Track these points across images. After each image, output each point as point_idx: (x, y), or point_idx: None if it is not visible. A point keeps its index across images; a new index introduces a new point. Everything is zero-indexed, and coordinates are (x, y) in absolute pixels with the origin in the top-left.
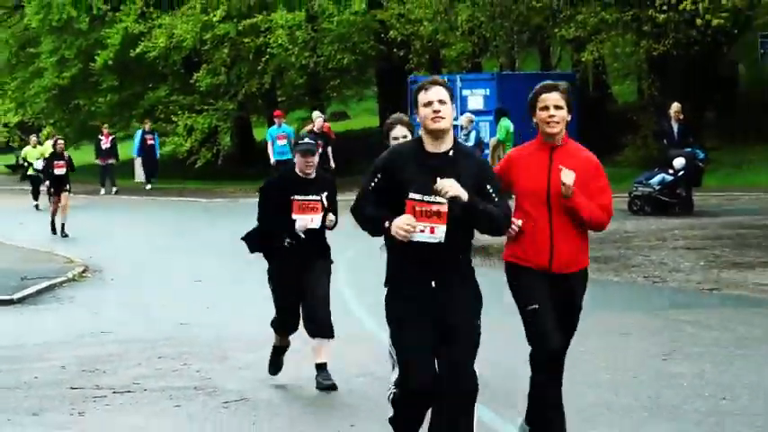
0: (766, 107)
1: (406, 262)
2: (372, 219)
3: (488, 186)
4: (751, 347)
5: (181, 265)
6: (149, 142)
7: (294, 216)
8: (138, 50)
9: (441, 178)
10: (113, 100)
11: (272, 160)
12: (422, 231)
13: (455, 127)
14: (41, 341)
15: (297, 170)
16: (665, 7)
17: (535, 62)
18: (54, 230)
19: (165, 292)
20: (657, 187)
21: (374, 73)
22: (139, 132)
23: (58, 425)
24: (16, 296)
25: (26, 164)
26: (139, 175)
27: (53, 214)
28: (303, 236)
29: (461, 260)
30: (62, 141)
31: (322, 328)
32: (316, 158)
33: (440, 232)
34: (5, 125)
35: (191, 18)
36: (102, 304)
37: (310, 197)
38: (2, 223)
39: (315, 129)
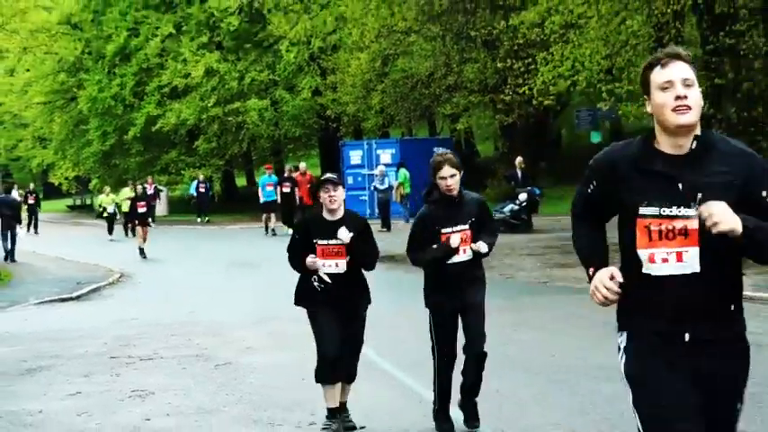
0: (580, 158)
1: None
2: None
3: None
4: (572, 321)
5: (188, 272)
6: (201, 188)
7: (318, 260)
8: (156, 126)
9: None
10: (140, 160)
11: (261, 200)
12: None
13: (371, 175)
14: (90, 325)
15: (323, 211)
16: (511, 92)
17: (425, 130)
18: (142, 254)
19: (177, 291)
20: (508, 213)
21: (317, 139)
22: (195, 181)
23: (102, 383)
24: (74, 294)
25: (101, 208)
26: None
27: (141, 242)
28: (330, 281)
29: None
30: (141, 186)
31: (345, 374)
32: (339, 193)
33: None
34: (66, 178)
35: (192, 104)
36: (132, 300)
37: (333, 241)
38: (66, 246)
39: (287, 174)
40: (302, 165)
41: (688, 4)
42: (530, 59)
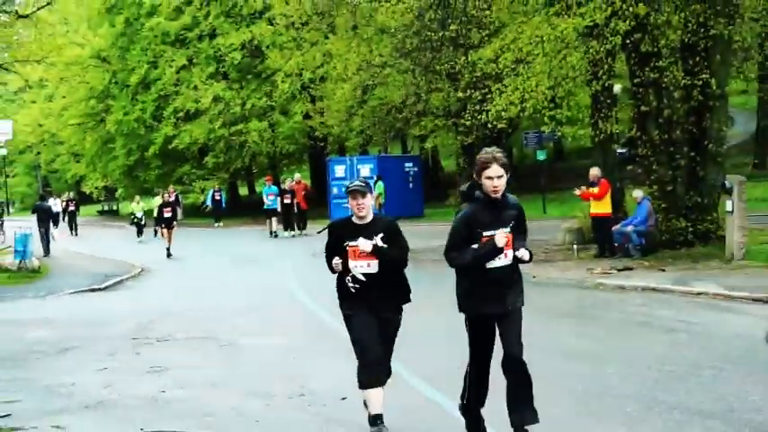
0: (528, 172)
1: None
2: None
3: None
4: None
5: (200, 266)
6: (216, 197)
7: (351, 263)
8: (172, 145)
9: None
10: (158, 173)
11: (266, 206)
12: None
13: None
14: (115, 312)
15: (354, 218)
16: (470, 117)
17: (398, 148)
18: (169, 254)
19: (189, 283)
20: None
21: (307, 155)
22: (211, 191)
23: (124, 360)
24: (102, 286)
25: (133, 215)
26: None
27: (168, 242)
28: (364, 279)
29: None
30: (167, 195)
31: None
32: (367, 200)
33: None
34: (96, 187)
35: (202, 126)
36: (151, 291)
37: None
38: (98, 246)
39: (287, 187)
40: (297, 175)
41: (618, 43)
42: (486, 90)
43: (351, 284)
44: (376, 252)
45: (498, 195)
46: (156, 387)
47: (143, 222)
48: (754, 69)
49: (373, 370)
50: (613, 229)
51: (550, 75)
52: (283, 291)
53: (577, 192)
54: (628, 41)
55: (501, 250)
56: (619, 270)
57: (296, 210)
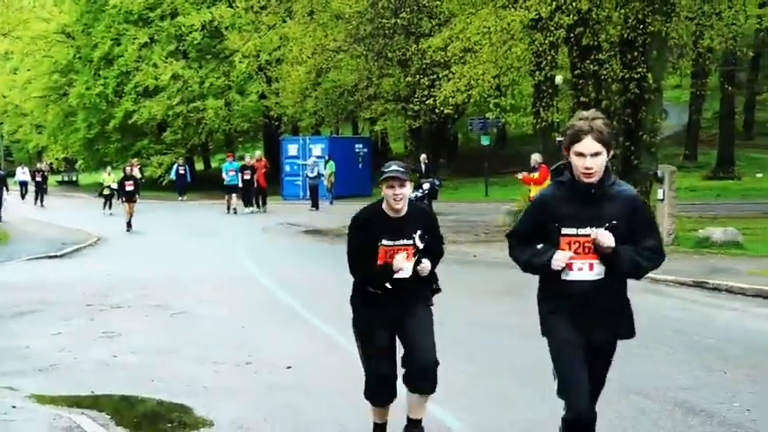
0: (472, 156)
1: None
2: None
3: None
4: (459, 285)
5: (155, 237)
6: (181, 171)
7: (379, 263)
8: (132, 120)
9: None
10: (118, 147)
11: (224, 183)
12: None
13: (304, 165)
14: (71, 279)
15: (384, 206)
16: (418, 102)
17: (349, 130)
18: (129, 227)
19: (146, 253)
20: (414, 199)
21: (262, 134)
22: (175, 165)
23: (79, 326)
24: (59, 253)
25: (102, 186)
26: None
27: (128, 216)
28: (389, 286)
29: None
30: (129, 168)
31: (426, 381)
32: (406, 190)
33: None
34: (57, 158)
35: (161, 102)
36: (108, 259)
37: (400, 242)
38: (57, 216)
39: (247, 163)
40: (258, 152)
41: (561, 36)
42: (434, 76)
43: (374, 289)
44: (415, 266)
45: (592, 180)
46: (108, 352)
47: (113, 195)
48: (688, 66)
49: (383, 386)
50: None
51: (496, 64)
52: (237, 264)
53: (519, 176)
54: (570, 35)
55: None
56: None
57: (255, 185)
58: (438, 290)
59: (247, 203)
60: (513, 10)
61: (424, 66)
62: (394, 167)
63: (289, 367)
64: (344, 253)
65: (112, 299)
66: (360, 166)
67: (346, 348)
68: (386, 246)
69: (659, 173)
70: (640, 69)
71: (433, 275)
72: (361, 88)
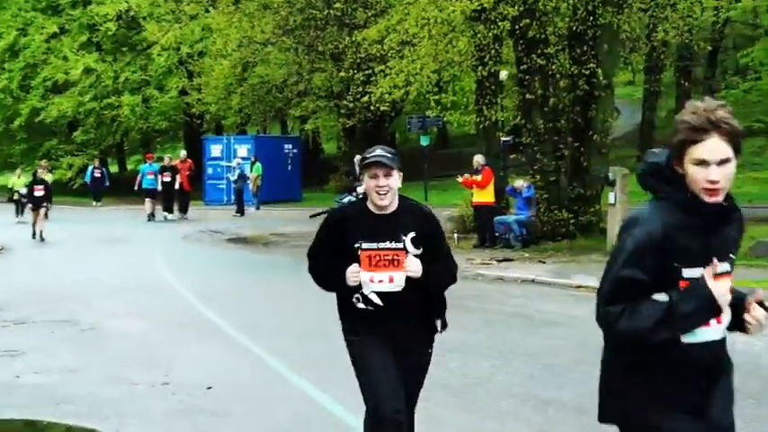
0: (410, 158)
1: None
2: None
3: None
4: None
5: (65, 247)
6: (96, 174)
7: (363, 275)
8: (40, 118)
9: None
10: (24, 147)
11: (142, 187)
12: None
13: (229, 167)
14: None
15: (368, 203)
16: (353, 99)
17: (278, 129)
18: (34, 236)
19: (53, 264)
20: (347, 204)
21: (183, 133)
22: (90, 167)
23: None
24: None
25: (12, 190)
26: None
27: (33, 224)
28: (381, 302)
29: None
30: (41, 170)
31: None
32: (393, 181)
33: None
34: None
35: (71, 98)
36: (10, 270)
37: (387, 245)
38: None
39: (167, 164)
40: (182, 152)
41: (506, 29)
42: (370, 71)
43: (361, 305)
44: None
45: (718, 199)
46: (10, 372)
47: (24, 200)
48: (641, 60)
49: (388, 425)
50: (495, 218)
51: (436, 58)
52: (154, 275)
53: (460, 179)
54: (515, 27)
55: (717, 309)
56: (499, 261)
57: (178, 188)
58: (445, 326)
59: (167, 209)
60: (454, 0)
61: (359, 60)
62: (378, 152)
63: (209, 388)
64: (272, 264)
65: (15, 314)
66: (289, 168)
67: (273, 367)
68: (367, 249)
69: (611, 176)
70: (590, 64)
71: (440, 304)
72: (290, 84)
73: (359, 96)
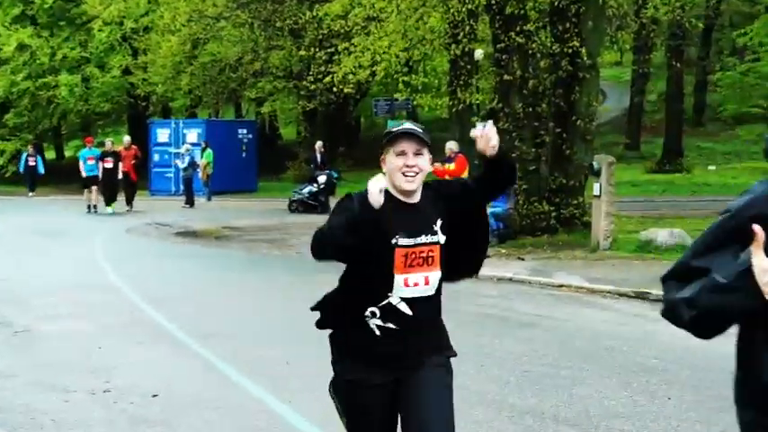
0: (376, 144)
1: None
2: None
3: None
4: None
5: None
6: (31, 162)
7: (396, 278)
8: None
9: None
10: None
11: (83, 175)
12: None
13: (177, 154)
14: None
15: (392, 185)
16: (314, 80)
17: (231, 113)
18: None
19: None
20: (307, 195)
21: (126, 116)
22: (24, 154)
23: None
24: None
25: None
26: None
27: None
28: (410, 311)
29: None
30: None
31: None
32: (423, 161)
33: None
34: None
35: (3, 77)
36: None
37: (422, 239)
38: None
39: (109, 149)
40: (126, 138)
41: (482, 3)
42: (333, 49)
43: (376, 323)
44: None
45: None
46: None
47: None
48: (629, 39)
49: None
50: None
51: (405, 35)
52: (95, 272)
53: (431, 168)
54: (492, 2)
55: None
56: None
57: (122, 179)
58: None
59: (109, 200)
60: None
61: (321, 37)
62: (407, 124)
63: (155, 396)
64: (225, 257)
65: None
66: (243, 155)
67: (225, 374)
68: (404, 247)
69: (595, 164)
70: (573, 43)
71: (441, 329)
72: (245, 63)
73: (320, 77)
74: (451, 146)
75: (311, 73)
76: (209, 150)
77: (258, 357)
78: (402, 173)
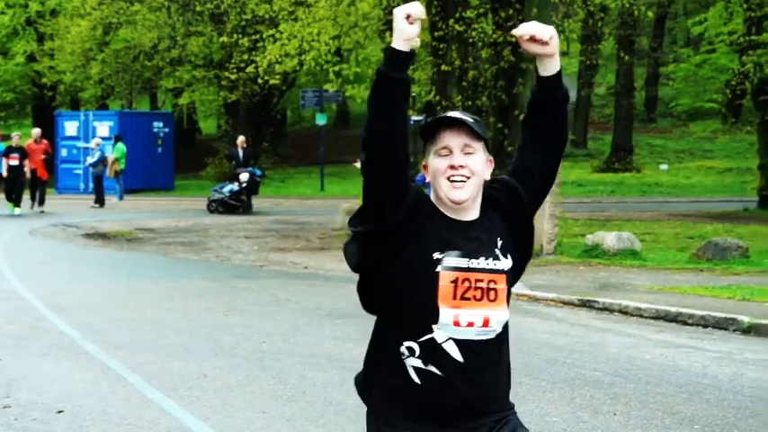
0: (304, 140)
1: None
2: None
3: None
4: (284, 305)
5: None
6: None
7: (442, 311)
8: None
9: None
10: None
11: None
12: None
13: (87, 148)
14: None
15: (436, 197)
16: (236, 69)
17: (146, 104)
18: None
19: None
20: (228, 194)
21: (30, 108)
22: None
23: None
24: None
25: None
26: None
27: None
28: (461, 358)
29: None
30: None
31: None
32: (476, 161)
33: None
34: None
35: None
36: None
37: (481, 263)
38: None
39: (14, 144)
40: (36, 131)
41: None
42: (257, 36)
43: (414, 363)
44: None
45: None
46: None
47: None
48: (577, 28)
49: None
50: None
51: (336, 22)
52: None
53: (358, 165)
54: None
55: None
56: None
57: (30, 177)
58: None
59: (14, 200)
60: None
61: (244, 22)
62: (453, 112)
63: (60, 412)
64: (137, 265)
65: None
66: (159, 150)
67: (134, 386)
68: (452, 269)
69: None
70: None
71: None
72: (161, 50)
73: (243, 66)
74: None
75: (233, 62)
76: (120, 144)
77: (173, 370)
78: (447, 177)
